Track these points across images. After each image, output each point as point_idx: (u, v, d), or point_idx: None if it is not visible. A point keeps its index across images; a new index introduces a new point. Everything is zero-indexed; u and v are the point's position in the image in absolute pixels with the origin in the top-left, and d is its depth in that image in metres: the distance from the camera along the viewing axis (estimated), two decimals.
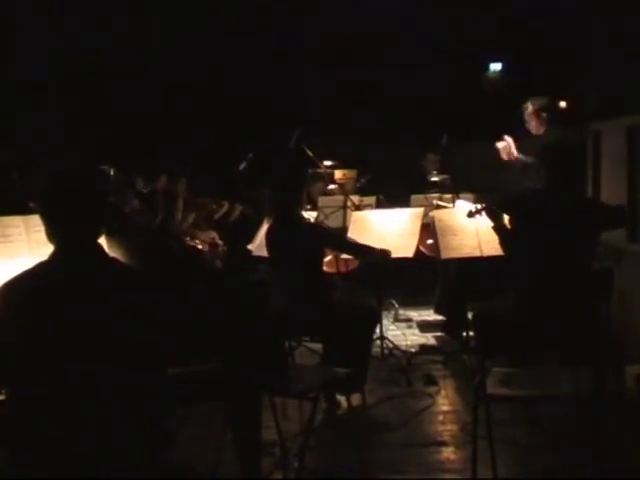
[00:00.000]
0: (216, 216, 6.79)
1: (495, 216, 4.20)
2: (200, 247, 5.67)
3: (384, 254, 4.96)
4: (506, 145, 6.19)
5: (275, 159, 7.71)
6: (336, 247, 5.17)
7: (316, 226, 5.42)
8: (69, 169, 2.34)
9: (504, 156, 6.19)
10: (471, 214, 4.61)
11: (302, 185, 4.88)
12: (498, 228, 4.18)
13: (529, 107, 6.02)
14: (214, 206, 6.78)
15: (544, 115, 5.97)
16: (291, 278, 4.67)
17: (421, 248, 6.34)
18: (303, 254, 4.64)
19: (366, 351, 4.86)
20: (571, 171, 3.86)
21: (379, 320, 5.38)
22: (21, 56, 9.54)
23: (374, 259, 5.19)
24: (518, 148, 6.18)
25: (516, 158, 6.18)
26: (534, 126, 6.03)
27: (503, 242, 4.15)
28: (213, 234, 5.98)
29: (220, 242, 5.82)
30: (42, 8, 9.91)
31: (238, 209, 7.15)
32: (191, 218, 5.98)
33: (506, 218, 4.18)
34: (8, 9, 9.34)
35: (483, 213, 4.39)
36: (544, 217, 3.78)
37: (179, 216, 5.24)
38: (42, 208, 2.27)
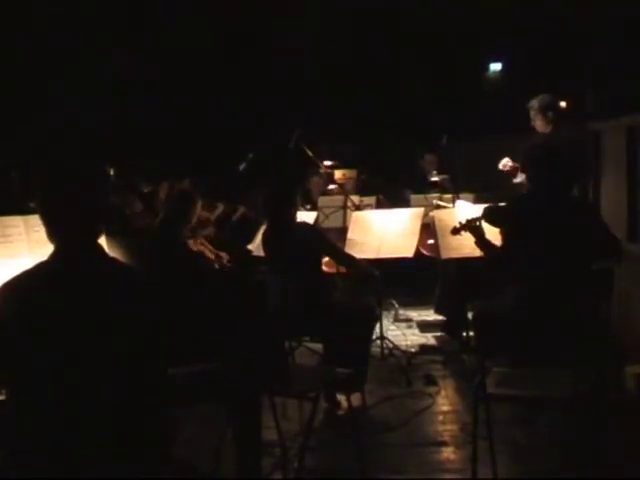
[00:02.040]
0: (212, 217, 6.76)
1: (477, 232, 4.24)
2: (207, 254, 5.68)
3: (368, 275, 5.12)
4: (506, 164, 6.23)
5: (273, 160, 7.72)
6: (328, 253, 5.17)
7: (312, 227, 5.42)
8: (69, 169, 2.34)
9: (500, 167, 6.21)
10: (455, 231, 4.63)
11: (297, 187, 4.90)
12: (480, 243, 4.21)
13: (535, 105, 6.02)
14: (208, 214, 6.74)
15: (549, 114, 5.97)
16: (290, 278, 4.67)
17: (421, 249, 6.33)
18: (301, 254, 4.65)
19: (366, 351, 4.86)
20: (557, 172, 3.86)
21: (378, 320, 5.38)
22: (21, 56, 9.54)
23: (358, 275, 5.36)
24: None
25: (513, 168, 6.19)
26: (539, 125, 6.03)
27: (487, 255, 4.18)
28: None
29: (224, 255, 5.80)
30: (43, 6, 9.92)
31: (240, 210, 7.14)
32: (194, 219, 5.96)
33: (493, 230, 4.20)
34: (11, 10, 9.35)
35: (466, 229, 4.42)
36: (538, 218, 3.78)
37: (194, 219, 5.21)
38: (42, 208, 2.27)
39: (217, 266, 5.64)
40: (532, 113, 6.05)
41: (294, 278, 4.66)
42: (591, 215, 3.98)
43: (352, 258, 5.03)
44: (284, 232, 4.73)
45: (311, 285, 4.64)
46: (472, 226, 4.30)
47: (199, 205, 5.19)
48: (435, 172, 7.81)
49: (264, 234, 4.91)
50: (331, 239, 5.21)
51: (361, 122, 10.79)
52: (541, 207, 3.81)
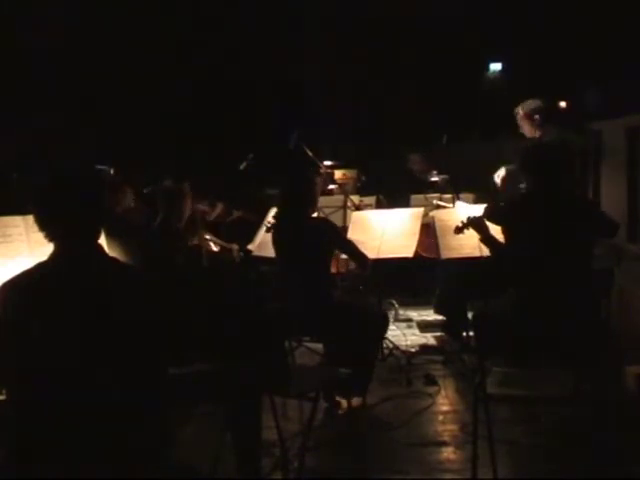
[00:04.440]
0: (210, 217, 6.75)
1: (481, 228, 4.23)
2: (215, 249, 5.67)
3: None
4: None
5: (274, 161, 7.71)
6: (339, 245, 5.12)
7: (325, 220, 5.37)
8: (69, 169, 2.34)
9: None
10: (458, 230, 4.63)
11: (312, 186, 4.90)
12: (486, 239, 4.20)
13: (520, 112, 6.08)
14: (207, 208, 6.73)
15: (536, 117, 6.01)
16: (292, 278, 4.66)
17: (420, 252, 6.30)
18: (309, 254, 4.61)
19: (373, 358, 4.84)
20: (553, 170, 3.86)
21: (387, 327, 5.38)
22: (21, 56, 9.54)
23: (361, 271, 5.38)
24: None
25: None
26: (528, 130, 6.08)
27: (492, 252, 4.18)
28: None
29: (234, 247, 5.79)
30: (42, 7, 9.92)
31: (235, 214, 7.12)
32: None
33: (494, 229, 4.20)
34: (8, 8, 9.36)
35: (470, 227, 4.41)
36: (538, 218, 3.79)
37: (186, 214, 5.18)
38: (42, 208, 2.27)
39: (226, 258, 5.62)
40: (518, 119, 6.10)
41: (296, 278, 4.65)
42: (592, 214, 3.97)
43: (362, 255, 4.96)
44: (296, 232, 4.69)
45: (313, 285, 4.63)
46: (476, 222, 4.28)
47: (188, 198, 5.17)
48: (435, 172, 7.80)
49: (275, 233, 4.86)
50: (342, 233, 5.20)
51: (361, 122, 10.80)
52: (541, 207, 3.81)
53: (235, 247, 5.82)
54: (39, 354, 2.14)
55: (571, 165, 4.09)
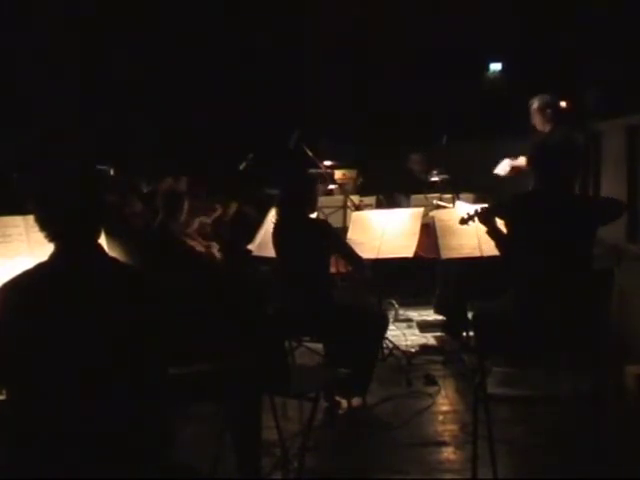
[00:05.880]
0: (210, 219, 6.75)
1: (488, 221, 4.20)
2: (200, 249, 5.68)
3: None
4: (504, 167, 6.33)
5: (274, 160, 7.71)
6: (336, 247, 5.11)
7: (323, 222, 5.37)
8: (69, 169, 2.34)
9: (501, 172, 6.32)
10: (464, 221, 4.61)
11: (313, 186, 4.91)
12: (492, 232, 4.18)
13: (534, 104, 6.11)
14: (208, 210, 6.71)
15: (548, 111, 6.05)
16: (293, 278, 4.67)
17: (420, 252, 6.29)
18: (308, 254, 4.62)
19: (373, 358, 4.84)
20: (560, 170, 3.85)
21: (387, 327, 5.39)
22: (21, 55, 9.54)
23: (357, 274, 5.44)
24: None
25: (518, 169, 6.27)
26: (539, 122, 6.11)
27: (498, 246, 4.16)
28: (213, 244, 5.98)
29: (214, 245, 5.81)
30: (42, 5, 9.93)
31: (233, 207, 7.12)
32: (196, 223, 5.98)
33: (500, 222, 4.18)
34: (6, 3, 9.36)
35: (476, 219, 4.38)
36: (539, 217, 3.78)
37: (182, 217, 5.21)
38: (42, 208, 2.27)
39: (204, 254, 5.64)
40: (532, 111, 6.14)
41: (296, 278, 4.65)
42: (593, 213, 3.97)
43: (357, 257, 4.96)
44: (295, 232, 4.69)
45: (313, 285, 4.63)
46: (483, 215, 4.23)
47: (185, 202, 5.19)
48: (435, 172, 7.79)
49: (275, 233, 4.86)
50: (339, 234, 5.20)
51: (361, 122, 10.79)
52: (543, 207, 3.80)
53: (215, 245, 5.83)
54: (39, 354, 2.14)
55: (576, 165, 4.05)
